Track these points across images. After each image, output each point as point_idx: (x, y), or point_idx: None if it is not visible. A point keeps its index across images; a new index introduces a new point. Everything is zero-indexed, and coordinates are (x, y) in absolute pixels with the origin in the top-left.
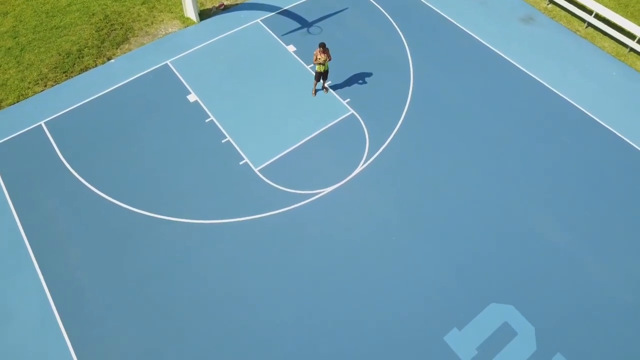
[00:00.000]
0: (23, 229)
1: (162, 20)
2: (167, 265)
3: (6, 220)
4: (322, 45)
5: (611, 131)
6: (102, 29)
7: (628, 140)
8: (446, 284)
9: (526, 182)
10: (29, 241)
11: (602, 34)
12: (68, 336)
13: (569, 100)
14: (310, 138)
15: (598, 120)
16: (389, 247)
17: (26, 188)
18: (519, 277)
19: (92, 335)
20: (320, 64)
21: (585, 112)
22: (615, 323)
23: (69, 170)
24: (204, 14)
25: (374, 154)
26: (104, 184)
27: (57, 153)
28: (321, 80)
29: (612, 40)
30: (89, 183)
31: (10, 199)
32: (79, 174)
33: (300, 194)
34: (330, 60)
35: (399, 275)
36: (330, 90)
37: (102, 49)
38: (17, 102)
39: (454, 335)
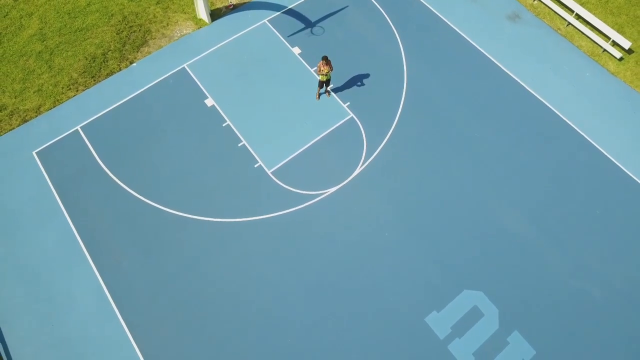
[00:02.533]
0: (75, 227)
1: (177, 22)
2: (197, 258)
3: (60, 220)
4: (325, 58)
5: (578, 132)
6: (122, 31)
7: (592, 142)
8: (429, 274)
9: (501, 182)
10: (81, 238)
11: (580, 33)
12: (122, 318)
13: (543, 101)
14: (316, 141)
15: (567, 121)
16: (382, 242)
17: (73, 190)
18: (489, 267)
19: (142, 317)
20: (323, 74)
21: (557, 113)
22: (567, 307)
23: (106, 172)
24: (214, 15)
25: (371, 156)
26: (138, 185)
27: (94, 156)
28: (324, 86)
29: (589, 40)
30: (124, 184)
31: (60, 200)
32: (115, 176)
33: (307, 194)
34: (332, 70)
35: (390, 266)
36: (332, 93)
37: (124, 52)
38: (54, 107)
39: (433, 316)
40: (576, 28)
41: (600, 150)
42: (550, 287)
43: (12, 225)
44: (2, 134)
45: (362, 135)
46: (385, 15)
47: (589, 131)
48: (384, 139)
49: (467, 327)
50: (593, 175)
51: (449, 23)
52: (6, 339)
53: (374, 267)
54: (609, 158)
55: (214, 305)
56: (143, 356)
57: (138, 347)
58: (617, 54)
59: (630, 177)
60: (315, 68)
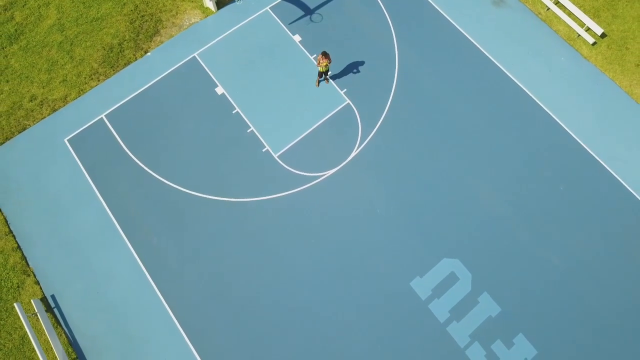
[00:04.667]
0: (108, 208)
1: (185, 10)
2: (216, 233)
3: (95, 201)
4: (324, 53)
5: (550, 115)
6: (135, 21)
7: (561, 124)
8: (414, 245)
9: (477, 161)
10: (114, 217)
11: (559, 18)
12: (156, 287)
13: (519, 84)
14: (316, 127)
15: (540, 104)
16: (374, 217)
17: (103, 174)
18: (465, 238)
19: (174, 285)
20: (322, 66)
21: (532, 96)
22: (531, 272)
23: (131, 157)
24: (220, 3)
25: (365, 140)
26: (160, 169)
27: (120, 143)
28: (323, 75)
29: (566, 24)
30: (148, 168)
31: (93, 183)
32: (139, 160)
33: (310, 176)
34: (330, 63)
35: (380, 238)
36: (331, 81)
37: (138, 41)
38: (79, 96)
39: (417, 281)
40: (555, 13)
41: (568, 132)
42: (517, 255)
43: (55, 207)
44: (35, 122)
45: (357, 120)
46: (379, 1)
47: (559, 114)
48: (376, 124)
49: (445, 290)
50: (560, 155)
51: (438, 9)
52: (60, 306)
53: (366, 239)
54: (575, 139)
55: (233, 272)
56: (176, 318)
57: (171, 310)
58: (591, 39)
59: (593, 157)
60: (315, 55)
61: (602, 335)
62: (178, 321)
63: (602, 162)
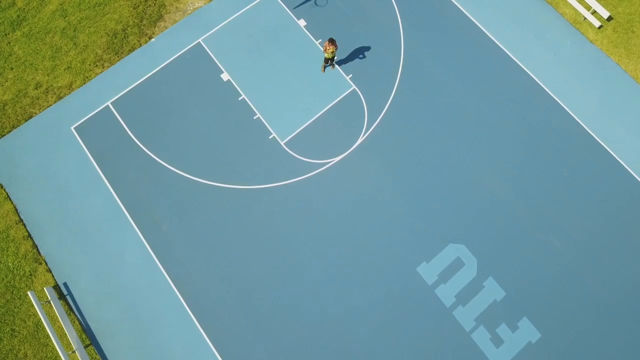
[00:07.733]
0: (116, 195)
1: None
2: (224, 219)
3: (103, 189)
4: (330, 39)
5: (554, 98)
6: (138, 6)
7: (565, 108)
8: (421, 231)
9: (481, 146)
10: (122, 204)
11: (565, 0)
12: (165, 271)
13: (524, 68)
14: (322, 113)
15: (545, 88)
16: (381, 203)
17: (110, 161)
18: (471, 224)
19: (182, 269)
20: (329, 53)
21: (536, 80)
22: (533, 255)
23: (138, 145)
24: None
25: (371, 126)
26: (166, 156)
27: (126, 130)
28: (329, 62)
29: (572, 7)
30: (155, 155)
31: (101, 171)
32: (146, 147)
33: (317, 163)
34: (337, 49)
35: (387, 224)
36: (336, 66)
37: (142, 27)
38: (84, 84)
39: (423, 266)
40: None
41: (572, 116)
42: (521, 240)
43: (64, 196)
44: (41, 110)
45: (363, 106)
46: None
47: (563, 98)
48: (382, 110)
49: (451, 275)
50: (564, 139)
51: None
52: (73, 293)
53: (374, 225)
54: (579, 123)
55: (240, 257)
56: (185, 301)
57: (180, 293)
58: (597, 22)
59: (597, 140)
60: (320, 40)
61: (605, 318)
62: (187, 304)
63: (605, 146)
